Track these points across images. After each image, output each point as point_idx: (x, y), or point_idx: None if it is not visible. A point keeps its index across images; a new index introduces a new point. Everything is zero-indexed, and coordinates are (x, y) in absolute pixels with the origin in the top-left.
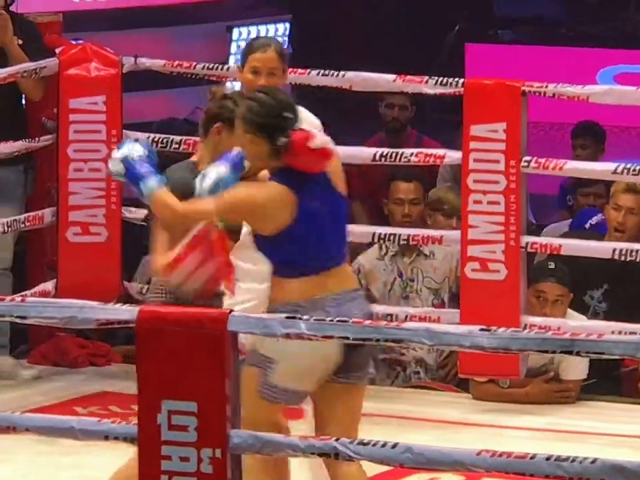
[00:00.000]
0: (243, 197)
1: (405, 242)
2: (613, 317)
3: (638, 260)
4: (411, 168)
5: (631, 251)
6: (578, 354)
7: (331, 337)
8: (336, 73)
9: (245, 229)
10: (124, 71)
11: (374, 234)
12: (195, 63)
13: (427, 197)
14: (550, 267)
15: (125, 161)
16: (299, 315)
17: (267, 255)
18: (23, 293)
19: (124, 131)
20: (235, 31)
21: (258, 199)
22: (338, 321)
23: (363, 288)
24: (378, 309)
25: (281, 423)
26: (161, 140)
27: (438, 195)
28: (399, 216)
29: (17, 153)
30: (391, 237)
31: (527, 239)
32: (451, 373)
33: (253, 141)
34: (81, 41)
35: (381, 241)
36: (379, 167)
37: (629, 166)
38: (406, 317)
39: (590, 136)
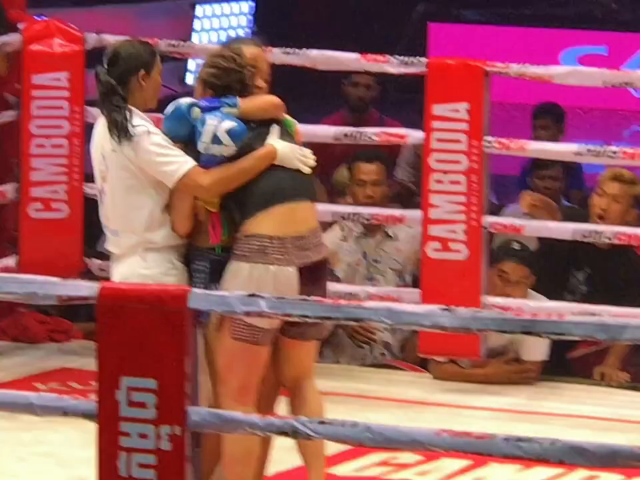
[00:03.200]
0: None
1: (367, 221)
2: (592, 299)
3: (619, 244)
4: (373, 149)
5: (591, 232)
6: (538, 335)
7: (290, 315)
8: (299, 51)
9: None
10: (87, 48)
11: (333, 213)
12: (158, 40)
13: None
14: (514, 247)
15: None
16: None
17: None
18: None
19: (85, 107)
20: (199, 9)
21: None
22: (299, 299)
23: None
24: (339, 287)
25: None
26: None
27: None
28: (361, 197)
29: None
30: (351, 216)
31: (488, 219)
32: (412, 354)
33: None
34: (44, 17)
35: (341, 219)
36: (339, 146)
37: (590, 147)
38: (367, 296)
39: (550, 117)
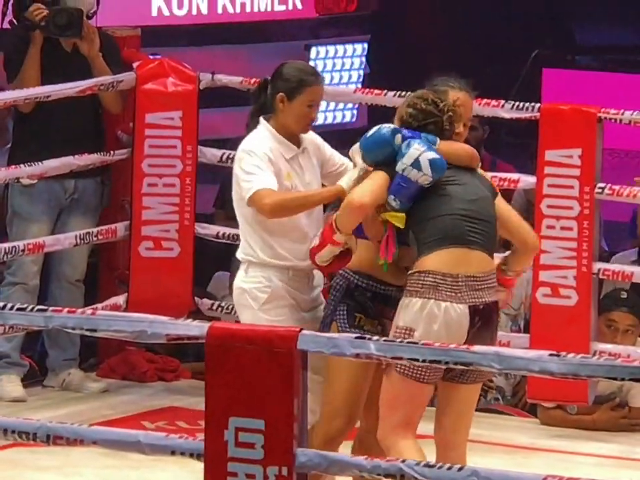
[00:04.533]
0: None
1: None
2: None
3: None
4: None
5: None
6: None
7: (400, 359)
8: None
9: None
10: (201, 87)
11: None
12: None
13: None
14: (622, 296)
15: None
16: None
17: None
18: (94, 306)
19: (199, 147)
20: (313, 50)
21: None
22: (407, 342)
23: None
24: None
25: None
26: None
27: None
28: None
29: (92, 166)
30: None
31: (598, 265)
32: (522, 400)
33: None
34: (158, 56)
35: None
36: None
37: None
38: None
39: None
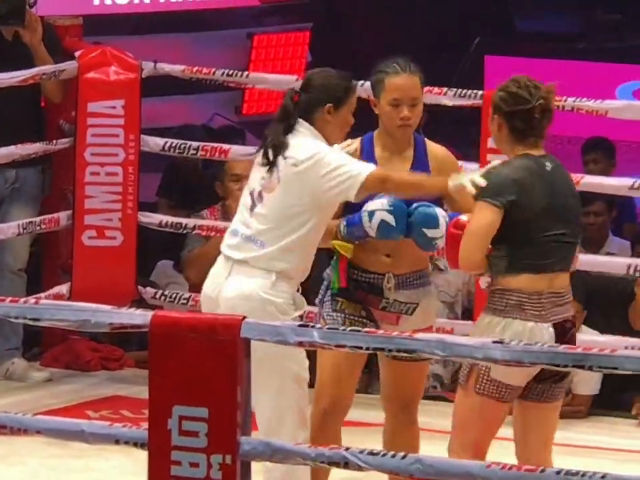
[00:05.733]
0: None
1: None
2: None
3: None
4: None
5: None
6: (590, 368)
7: (343, 347)
8: (355, 82)
9: None
10: (143, 76)
11: None
12: (214, 69)
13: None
14: None
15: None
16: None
17: None
18: (37, 295)
19: (142, 135)
20: (256, 38)
21: None
22: (350, 330)
23: None
24: None
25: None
26: (178, 146)
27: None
28: None
29: (34, 155)
30: None
31: None
32: None
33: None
34: (100, 45)
35: None
36: None
37: None
38: None
39: (600, 151)
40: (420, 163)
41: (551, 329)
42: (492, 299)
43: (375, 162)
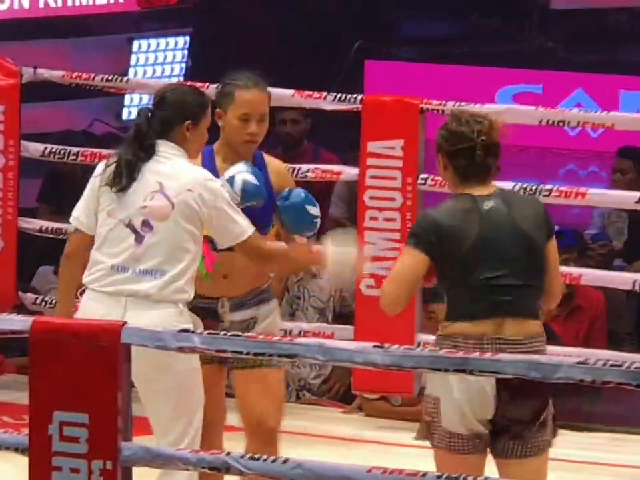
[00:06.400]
0: None
1: None
2: None
3: None
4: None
5: None
6: (471, 372)
7: (224, 351)
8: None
9: None
10: (23, 82)
11: None
12: (93, 75)
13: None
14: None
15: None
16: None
17: None
18: None
19: (21, 141)
20: (136, 43)
21: None
22: (231, 335)
23: None
24: None
25: None
26: (58, 151)
27: None
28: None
29: None
30: None
31: None
32: (333, 389)
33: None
34: None
35: None
36: None
37: (525, 185)
38: (299, 332)
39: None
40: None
41: (491, 379)
42: (436, 344)
43: (217, 175)
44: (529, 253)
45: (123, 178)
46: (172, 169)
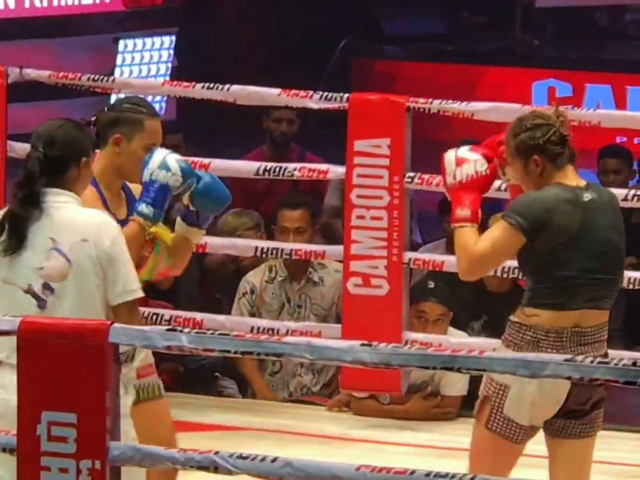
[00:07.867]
0: None
1: (288, 256)
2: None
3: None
4: (298, 195)
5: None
6: (459, 370)
7: (212, 351)
8: (221, 86)
9: None
10: (9, 82)
11: (256, 248)
12: (80, 75)
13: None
14: (430, 286)
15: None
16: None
17: None
18: None
19: (8, 141)
20: (121, 43)
21: None
22: (219, 334)
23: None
24: (260, 323)
25: None
26: None
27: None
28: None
29: None
30: (274, 252)
31: (409, 255)
32: (334, 394)
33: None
34: None
35: (264, 255)
36: (261, 182)
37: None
38: (287, 331)
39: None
40: (132, 201)
41: None
42: (510, 330)
43: (109, 208)
44: (619, 246)
45: (12, 239)
46: (64, 221)
